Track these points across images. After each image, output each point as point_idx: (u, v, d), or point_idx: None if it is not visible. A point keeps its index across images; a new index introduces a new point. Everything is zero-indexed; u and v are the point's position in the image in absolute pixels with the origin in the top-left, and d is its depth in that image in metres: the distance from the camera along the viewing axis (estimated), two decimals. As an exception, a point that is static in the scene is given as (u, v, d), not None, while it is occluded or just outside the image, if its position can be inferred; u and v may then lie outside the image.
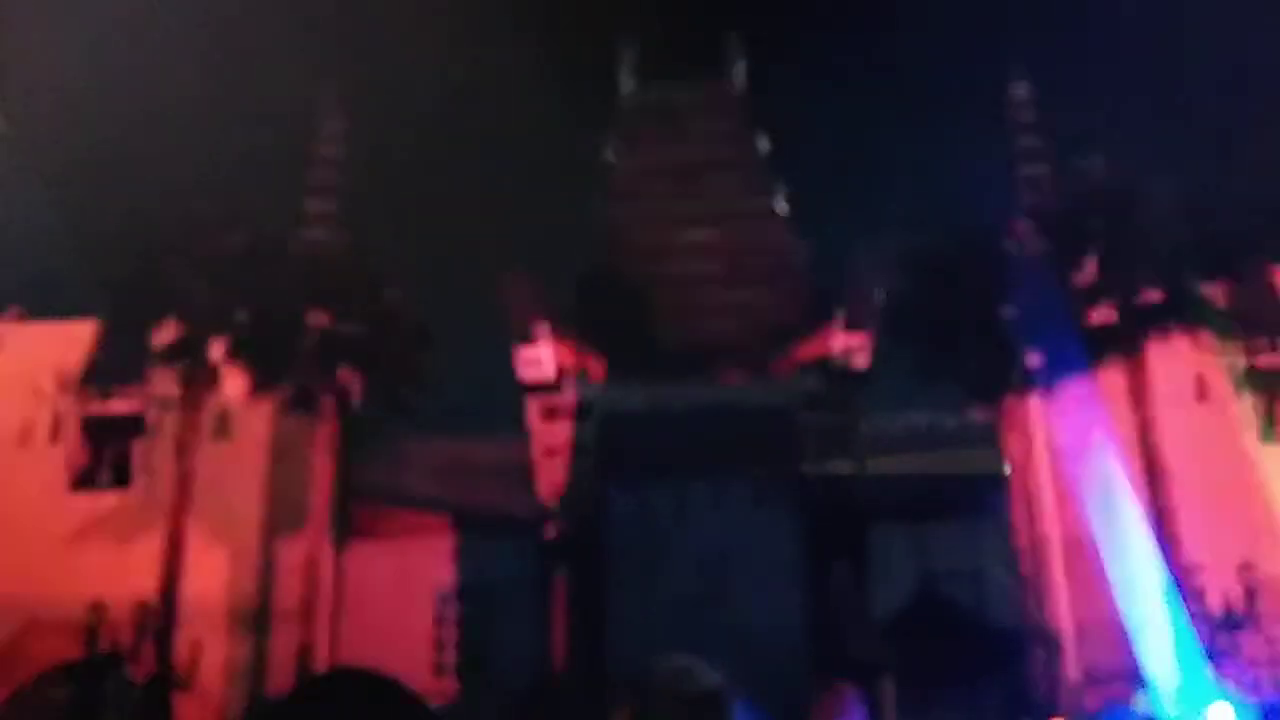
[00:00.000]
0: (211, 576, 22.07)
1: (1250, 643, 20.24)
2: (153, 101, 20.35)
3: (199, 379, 21.70)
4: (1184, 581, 19.62)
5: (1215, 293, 20.92)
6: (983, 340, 21.33)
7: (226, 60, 20.81)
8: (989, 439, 23.29)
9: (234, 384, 22.09)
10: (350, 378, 22.72)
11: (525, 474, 26.11)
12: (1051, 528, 22.77)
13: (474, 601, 25.09)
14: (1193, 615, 19.33)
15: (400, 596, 24.60)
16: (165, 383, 22.32)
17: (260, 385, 22.08)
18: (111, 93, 20.06)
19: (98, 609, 21.34)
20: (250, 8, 20.49)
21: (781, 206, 29.60)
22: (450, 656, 24.90)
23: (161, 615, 20.60)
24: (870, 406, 25.98)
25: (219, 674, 22.00)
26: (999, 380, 21.86)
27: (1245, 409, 22.91)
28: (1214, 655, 19.38)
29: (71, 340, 23.03)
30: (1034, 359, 21.35)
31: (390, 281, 23.30)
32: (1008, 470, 23.06)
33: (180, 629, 20.70)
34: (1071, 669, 21.75)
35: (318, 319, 22.16)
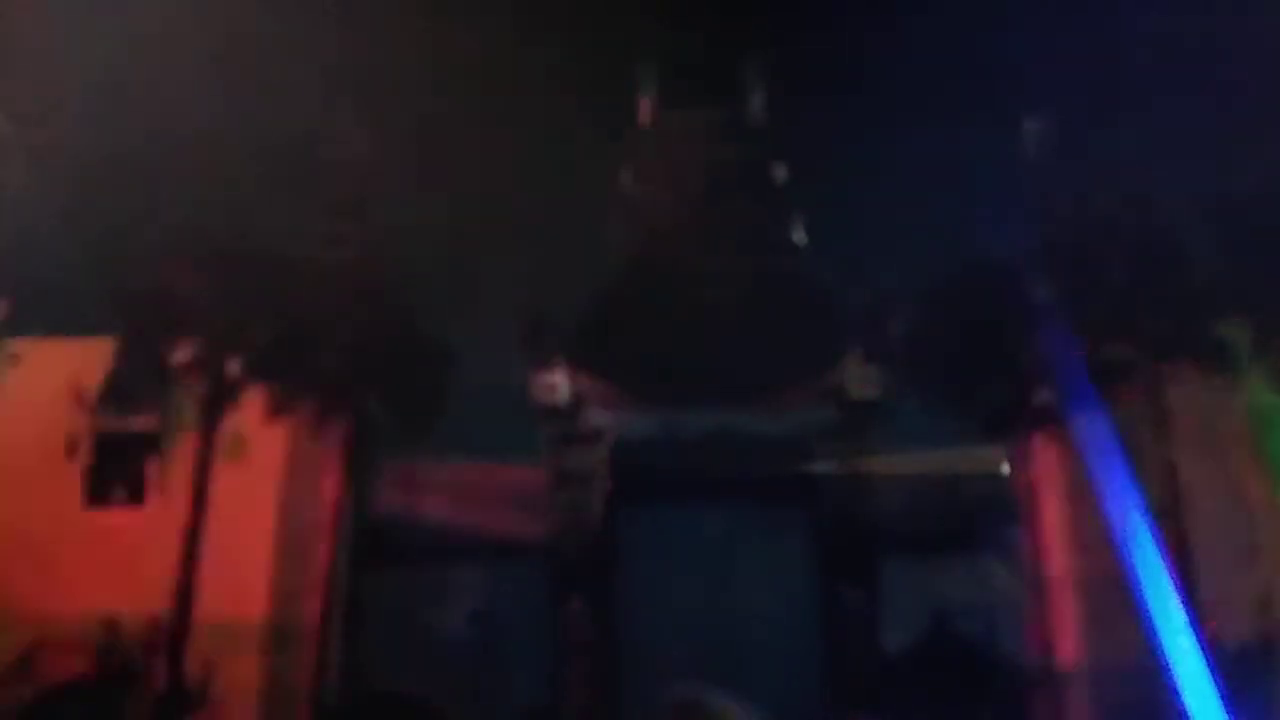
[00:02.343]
0: (225, 596, 21.75)
1: (1267, 683, 20.03)
2: (169, 113, 20.35)
3: (216, 397, 21.64)
4: (1201, 621, 19.35)
5: (1241, 328, 20.66)
6: (998, 374, 21.23)
7: (246, 75, 20.80)
8: (1004, 474, 23.18)
9: (251, 403, 21.98)
10: (368, 398, 22.67)
11: (539, 499, 26.11)
12: (1067, 565, 22.61)
13: (486, 626, 25.12)
14: (1209, 655, 19.08)
15: (412, 619, 24.70)
16: (182, 400, 22.21)
17: (277, 404, 22.04)
18: (126, 104, 20.06)
19: (110, 626, 21.41)
20: (270, 20, 20.51)
21: (799, 236, 29.61)
22: (462, 681, 24.75)
23: (174, 634, 20.48)
24: (884, 439, 25.87)
25: (232, 694, 21.84)
26: (1014, 415, 21.74)
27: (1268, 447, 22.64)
28: (1231, 696, 19.17)
29: (89, 357, 23.01)
30: (1050, 394, 21.17)
31: (410, 302, 23.30)
32: (1021, 505, 22.94)
33: (193, 648, 20.59)
34: (1087, 708, 21.57)
35: (336, 338, 22.13)
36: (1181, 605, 19.67)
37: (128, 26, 19.06)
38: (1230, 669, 19.48)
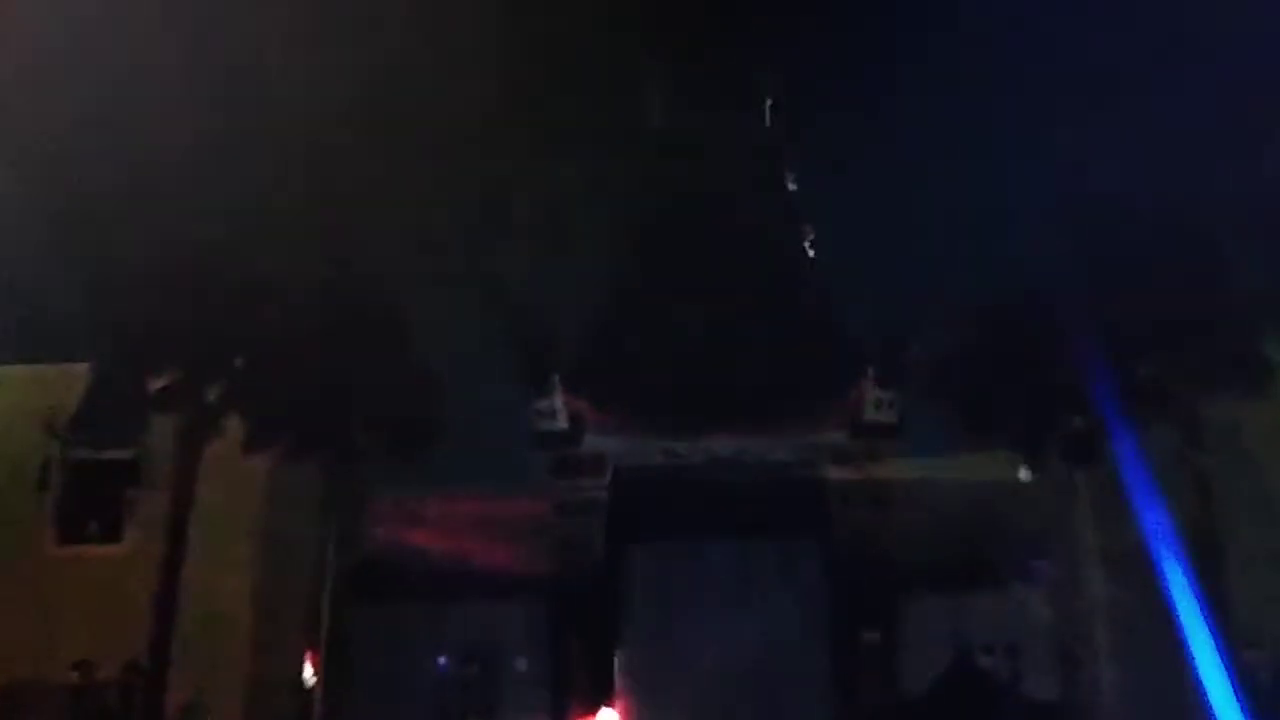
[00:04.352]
0: (205, 635, 20.89)
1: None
2: (156, 133, 19.67)
3: (196, 427, 20.83)
4: (1237, 654, 18.60)
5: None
6: (1025, 398, 20.51)
7: (241, 95, 20.27)
8: (1030, 502, 22.56)
9: (233, 433, 21.09)
10: (357, 429, 21.95)
11: (538, 531, 25.73)
12: (1097, 596, 21.96)
13: (483, 663, 24.66)
14: (1246, 689, 18.24)
15: (406, 656, 24.20)
16: (160, 430, 21.36)
17: (260, 435, 21.24)
18: (112, 132, 19.40)
19: (84, 669, 20.72)
20: (266, 41, 19.92)
21: (811, 250, 29.19)
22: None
23: (151, 676, 19.59)
24: (902, 465, 25.29)
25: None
26: (1041, 440, 21.06)
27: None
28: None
29: (63, 384, 22.30)
30: (1081, 418, 20.44)
31: (401, 329, 22.53)
32: (1049, 534, 22.33)
33: (171, 691, 19.70)
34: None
35: (323, 367, 21.31)
36: (1215, 634, 18.92)
37: (114, 50, 18.42)
38: (1267, 697, 18.68)
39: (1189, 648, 19.32)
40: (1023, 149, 21.02)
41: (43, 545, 22.73)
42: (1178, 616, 19.59)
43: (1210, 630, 19.08)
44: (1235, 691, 18.45)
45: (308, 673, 22.04)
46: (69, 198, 19.42)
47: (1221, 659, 18.72)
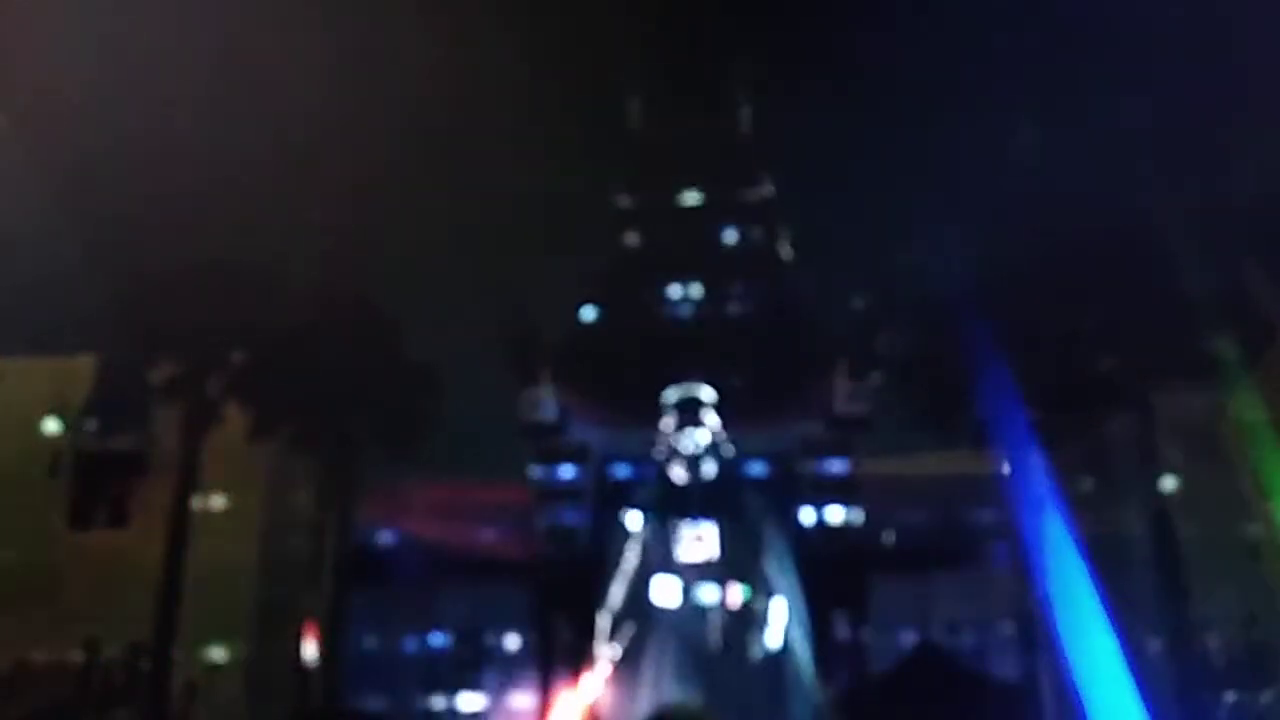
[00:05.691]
0: (207, 617, 21.56)
1: (1255, 697, 19.97)
2: (160, 129, 20.18)
3: (198, 418, 21.33)
4: (1189, 636, 19.13)
5: (1229, 344, 20.44)
6: (986, 391, 21.01)
7: (241, 93, 20.67)
8: (992, 490, 23.00)
9: (234, 424, 21.73)
10: (353, 419, 22.44)
11: (524, 517, 26.11)
12: (1054, 580, 22.41)
13: (471, 644, 25.14)
14: (1197, 670, 18.93)
15: (396, 637, 24.90)
16: (165, 421, 22.00)
17: (260, 425, 21.76)
18: (116, 118, 19.90)
19: (91, 648, 21.25)
20: (265, 40, 20.43)
21: (786, 252, 29.54)
22: (447, 698, 24.92)
23: (155, 656, 20.11)
24: (871, 455, 25.76)
25: (213, 715, 21.69)
26: (1002, 431, 21.50)
27: (1257, 461, 22.45)
28: (1220, 710, 19.08)
29: (72, 377, 22.87)
30: (1037, 411, 20.95)
31: (396, 323, 23.09)
32: (1010, 522, 22.75)
33: (174, 670, 20.30)
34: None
35: (321, 359, 21.87)
36: (1171, 620, 19.48)
37: (119, 42, 18.94)
38: (1221, 681, 19.64)
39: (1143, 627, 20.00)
40: (989, 156, 21.65)
41: (53, 531, 23.26)
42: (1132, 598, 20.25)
43: (1165, 611, 19.73)
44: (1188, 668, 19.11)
45: (308, 650, 22.32)
46: (87, 204, 19.92)
47: (1176, 639, 19.38)
